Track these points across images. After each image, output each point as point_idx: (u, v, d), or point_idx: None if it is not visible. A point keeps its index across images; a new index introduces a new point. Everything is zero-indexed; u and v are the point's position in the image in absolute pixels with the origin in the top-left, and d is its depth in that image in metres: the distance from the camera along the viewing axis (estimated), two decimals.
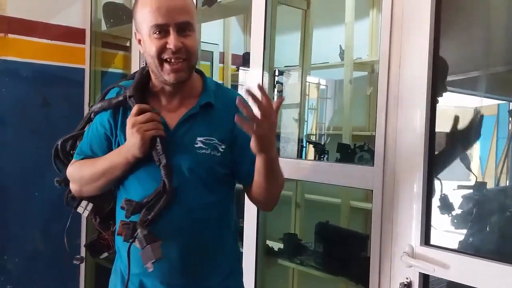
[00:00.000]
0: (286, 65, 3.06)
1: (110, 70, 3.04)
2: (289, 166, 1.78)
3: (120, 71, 3.08)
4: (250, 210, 1.87)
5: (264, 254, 1.98)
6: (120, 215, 1.23)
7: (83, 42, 2.89)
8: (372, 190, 1.45)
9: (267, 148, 1.13)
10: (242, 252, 1.42)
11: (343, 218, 2.52)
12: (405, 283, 1.34)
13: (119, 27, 2.88)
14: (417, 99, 1.34)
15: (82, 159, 1.35)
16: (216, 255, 1.30)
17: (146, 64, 1.29)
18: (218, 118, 1.26)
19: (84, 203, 1.36)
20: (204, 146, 1.23)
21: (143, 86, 1.27)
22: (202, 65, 3.26)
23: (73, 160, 1.38)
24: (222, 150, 1.24)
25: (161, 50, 1.17)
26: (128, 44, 3.00)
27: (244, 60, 3.44)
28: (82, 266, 2.87)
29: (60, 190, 2.77)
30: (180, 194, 1.21)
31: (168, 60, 1.18)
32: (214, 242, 1.29)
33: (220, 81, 3.45)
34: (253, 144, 1.11)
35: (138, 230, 1.14)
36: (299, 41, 2.78)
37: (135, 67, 2.55)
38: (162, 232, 1.18)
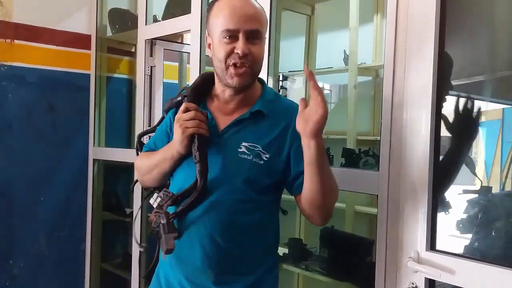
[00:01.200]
0: (290, 70, 3.07)
1: (116, 75, 3.06)
2: None
3: (125, 76, 3.09)
4: None
5: None
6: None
7: (89, 48, 2.91)
8: (377, 195, 1.45)
9: (320, 131, 1.14)
10: (276, 267, 1.40)
11: (348, 223, 2.51)
12: None
13: (125, 33, 2.90)
14: (422, 104, 1.34)
15: (147, 151, 1.45)
16: (238, 262, 1.28)
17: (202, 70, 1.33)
18: (267, 127, 1.28)
19: (155, 195, 1.36)
20: (247, 152, 1.25)
21: (202, 88, 1.35)
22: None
23: (140, 152, 1.48)
24: (265, 159, 1.25)
25: (229, 54, 1.22)
26: (133, 50, 3.02)
27: None
28: (87, 270, 2.88)
29: (65, 196, 2.81)
30: (212, 194, 1.24)
31: (233, 64, 1.22)
32: (238, 249, 1.27)
33: None
34: (310, 126, 1.12)
35: (161, 219, 1.19)
36: (303, 46, 2.79)
37: (140, 72, 2.57)
38: (186, 227, 1.24)
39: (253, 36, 1.22)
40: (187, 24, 2.25)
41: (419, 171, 1.34)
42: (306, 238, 2.50)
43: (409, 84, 1.38)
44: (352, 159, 1.98)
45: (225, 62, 1.23)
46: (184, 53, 3.04)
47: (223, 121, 1.30)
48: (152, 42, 2.58)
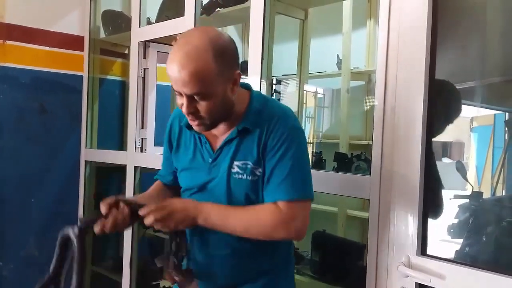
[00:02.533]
0: (284, 74, 3.07)
1: (109, 77, 3.05)
2: None
3: (118, 78, 3.08)
4: None
5: None
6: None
7: (82, 49, 2.89)
8: (369, 200, 1.46)
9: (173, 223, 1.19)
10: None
11: (340, 227, 2.52)
12: None
13: (118, 35, 2.89)
14: (415, 109, 1.35)
15: (158, 181, 1.54)
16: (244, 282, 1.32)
17: None
18: (256, 140, 1.24)
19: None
20: (240, 171, 1.24)
21: None
22: None
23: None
24: (259, 174, 1.23)
25: (181, 106, 1.19)
26: (126, 52, 3.02)
27: (241, 69, 3.45)
28: None
29: (56, 197, 2.79)
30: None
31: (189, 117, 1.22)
32: (247, 273, 1.32)
33: None
34: None
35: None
36: (297, 51, 2.80)
37: (133, 74, 2.56)
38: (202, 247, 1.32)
39: (196, 97, 1.15)
40: (181, 26, 2.25)
41: (411, 176, 1.35)
42: (298, 242, 2.50)
43: (400, 89, 1.39)
44: (344, 163, 1.99)
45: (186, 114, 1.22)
46: None
47: (215, 143, 1.29)
48: (145, 44, 2.58)
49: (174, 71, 1.13)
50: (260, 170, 1.23)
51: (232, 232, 1.21)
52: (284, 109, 1.29)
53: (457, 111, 1.81)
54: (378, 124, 1.43)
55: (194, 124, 1.21)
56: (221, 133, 1.29)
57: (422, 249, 1.33)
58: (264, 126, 1.22)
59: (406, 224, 1.35)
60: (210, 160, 1.28)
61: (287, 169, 1.20)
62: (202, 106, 1.16)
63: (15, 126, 2.65)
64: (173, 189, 1.45)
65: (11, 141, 2.63)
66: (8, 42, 2.60)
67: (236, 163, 1.24)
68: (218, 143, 1.29)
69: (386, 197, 1.41)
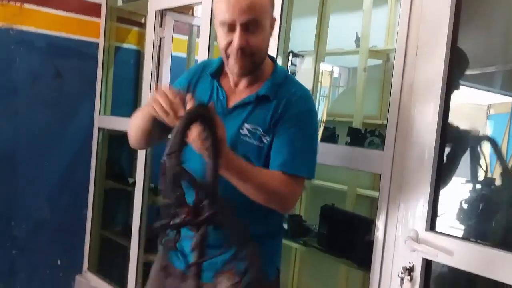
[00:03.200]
0: (300, 50, 3.04)
1: (124, 45, 3.04)
2: None
3: (134, 47, 3.07)
4: None
5: None
6: None
7: (99, 16, 2.88)
8: (380, 174, 1.45)
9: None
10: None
11: (349, 205, 2.51)
12: (407, 267, 1.34)
13: (135, 3, 2.87)
14: (432, 90, 1.33)
15: None
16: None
17: None
18: (268, 109, 1.26)
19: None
20: (248, 134, 1.24)
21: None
22: (216, 46, 3.25)
23: None
24: (266, 142, 1.24)
25: (227, 45, 1.20)
26: (143, 21, 3.00)
27: None
28: (87, 237, 2.91)
29: (68, 162, 2.83)
30: None
31: (232, 55, 1.21)
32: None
33: None
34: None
35: None
36: (315, 26, 2.76)
37: (148, 43, 2.55)
38: None
39: (251, 26, 1.19)
40: None
41: (425, 153, 1.33)
42: (306, 215, 2.51)
43: (419, 69, 1.36)
44: (357, 138, 1.97)
45: (225, 52, 1.22)
46: (194, 27, 3.01)
47: (233, 99, 1.30)
48: (162, 13, 2.56)
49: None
50: (268, 138, 1.23)
51: (246, 184, 1.17)
52: (306, 90, 1.32)
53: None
54: (395, 101, 1.42)
55: (240, 63, 1.21)
56: (239, 92, 1.29)
57: (431, 225, 1.32)
58: (283, 99, 1.24)
59: (416, 200, 1.34)
60: (221, 115, 1.25)
61: (301, 145, 1.23)
62: (253, 39, 1.19)
63: (30, 90, 2.66)
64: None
65: (25, 104, 2.65)
66: (26, 5, 2.60)
67: (246, 125, 1.25)
68: (233, 102, 1.29)
69: (398, 172, 1.40)
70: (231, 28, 1.19)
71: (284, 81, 1.30)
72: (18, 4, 2.58)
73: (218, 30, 1.23)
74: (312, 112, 1.30)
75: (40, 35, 2.68)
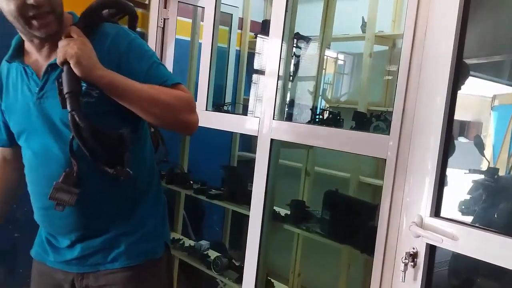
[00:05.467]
0: (307, 35, 3.00)
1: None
2: (302, 132, 1.77)
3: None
4: (259, 175, 1.86)
5: (270, 218, 1.97)
6: None
7: None
8: (386, 159, 1.43)
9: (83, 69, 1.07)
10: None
11: (352, 192, 2.51)
12: (411, 253, 1.32)
13: None
14: (440, 74, 1.30)
15: None
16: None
17: None
18: None
19: None
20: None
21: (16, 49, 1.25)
22: (221, 30, 3.22)
23: None
24: (96, 95, 1.15)
25: (22, 7, 1.09)
26: (146, 2, 2.95)
27: (263, 28, 3.39)
28: None
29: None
30: (48, 144, 1.19)
31: (34, 16, 1.10)
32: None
33: (237, 48, 3.41)
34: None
35: None
36: (321, 11, 2.72)
37: (152, 24, 2.52)
38: None
39: None
40: None
41: (430, 138, 1.31)
42: (309, 201, 2.50)
43: (427, 54, 1.34)
44: (362, 123, 1.95)
45: (22, 17, 1.10)
46: (198, 9, 2.97)
47: (41, 70, 1.20)
48: None
49: None
50: (97, 91, 1.13)
51: (139, 98, 1.12)
52: (110, 25, 1.25)
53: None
54: (401, 87, 1.39)
55: (45, 21, 1.11)
56: (46, 59, 1.21)
57: (436, 211, 1.31)
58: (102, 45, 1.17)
59: (422, 185, 1.33)
60: (37, 90, 1.20)
61: (157, 64, 1.21)
62: None
63: None
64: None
65: None
66: None
67: None
68: (43, 70, 1.20)
69: (403, 157, 1.38)
70: None
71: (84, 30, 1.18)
72: None
73: None
74: (132, 36, 1.24)
75: None
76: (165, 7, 2.51)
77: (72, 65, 1.06)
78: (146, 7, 2.95)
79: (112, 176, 1.13)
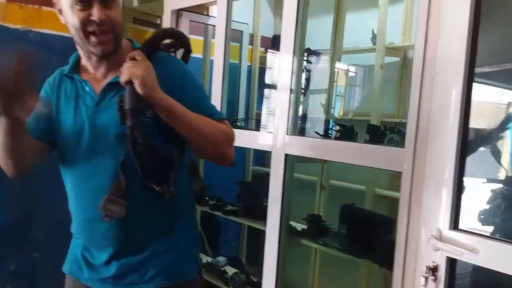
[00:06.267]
0: (316, 49, 3.02)
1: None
2: (316, 146, 1.77)
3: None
4: (274, 191, 1.86)
5: (287, 233, 1.97)
6: None
7: None
8: (402, 172, 1.42)
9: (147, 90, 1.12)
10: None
11: (368, 205, 2.49)
12: (431, 266, 1.31)
13: (150, 4, 2.88)
14: (453, 84, 1.30)
15: None
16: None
17: None
18: None
19: None
20: None
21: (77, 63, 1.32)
22: (231, 46, 3.25)
23: None
24: (149, 115, 1.19)
25: (85, 22, 1.16)
26: (158, 22, 3.00)
27: (273, 43, 3.42)
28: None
29: None
30: (98, 157, 1.23)
31: (93, 32, 1.17)
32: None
33: (248, 63, 3.44)
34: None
35: None
36: (331, 25, 2.74)
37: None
38: None
39: (108, 0, 1.17)
40: None
41: (446, 149, 1.31)
42: (325, 215, 2.49)
43: (439, 64, 1.33)
44: (376, 136, 1.94)
45: (83, 31, 1.17)
46: (209, 27, 3.01)
47: (98, 86, 1.26)
48: (178, 13, 2.56)
49: None
50: (151, 112, 1.18)
51: (190, 125, 1.19)
52: (166, 54, 1.32)
53: None
54: (415, 98, 1.39)
55: (103, 39, 1.18)
56: (102, 78, 1.27)
57: (455, 223, 1.29)
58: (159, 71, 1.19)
59: (439, 198, 1.31)
60: (92, 105, 1.24)
61: (205, 97, 1.33)
62: (112, 13, 1.17)
63: None
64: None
65: None
66: (44, 8, 2.63)
67: None
68: (100, 87, 1.25)
69: (420, 170, 1.37)
70: (86, 3, 1.15)
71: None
72: (36, 6, 2.61)
73: (67, 11, 1.18)
74: (186, 67, 1.32)
75: (59, 37, 2.69)
76: (176, 26, 2.55)
77: (137, 85, 1.11)
78: (158, 27, 3.00)
79: (158, 194, 1.19)
